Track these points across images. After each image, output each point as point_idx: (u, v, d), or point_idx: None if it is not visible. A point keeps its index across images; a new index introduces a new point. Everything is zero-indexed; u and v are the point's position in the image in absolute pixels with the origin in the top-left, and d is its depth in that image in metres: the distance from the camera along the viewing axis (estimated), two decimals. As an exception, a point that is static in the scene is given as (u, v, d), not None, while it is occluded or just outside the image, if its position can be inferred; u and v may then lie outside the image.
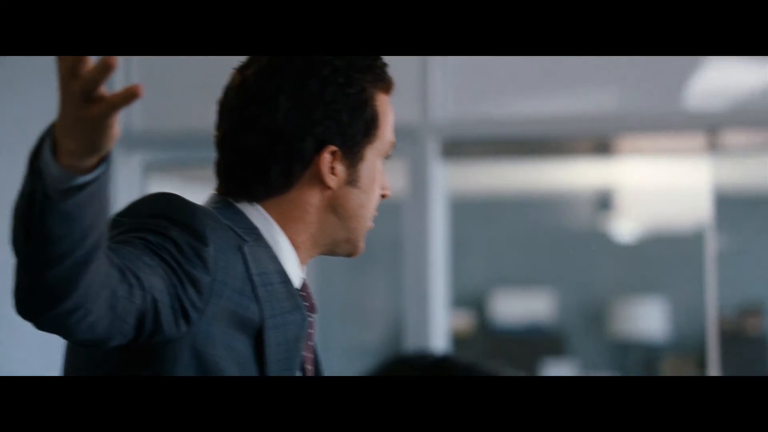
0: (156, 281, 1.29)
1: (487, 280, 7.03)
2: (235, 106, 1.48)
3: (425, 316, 3.73)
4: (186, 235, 1.34)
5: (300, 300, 1.46)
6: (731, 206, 6.42)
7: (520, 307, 6.97)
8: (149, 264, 1.29)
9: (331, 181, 1.47)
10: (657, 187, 6.54)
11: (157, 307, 1.29)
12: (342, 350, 6.43)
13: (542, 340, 6.86)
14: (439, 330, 3.77)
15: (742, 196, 6.80)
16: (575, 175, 6.51)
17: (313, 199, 1.48)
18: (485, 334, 6.93)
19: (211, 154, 1.52)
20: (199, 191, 1.57)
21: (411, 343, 3.73)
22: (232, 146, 1.48)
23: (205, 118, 1.57)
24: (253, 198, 1.47)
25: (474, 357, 0.89)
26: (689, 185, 5.66)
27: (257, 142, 1.46)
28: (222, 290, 1.35)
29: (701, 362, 6.29)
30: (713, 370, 5.01)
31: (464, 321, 6.83)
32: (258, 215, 1.46)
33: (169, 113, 3.97)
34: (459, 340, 6.29)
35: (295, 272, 1.47)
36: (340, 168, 1.47)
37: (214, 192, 1.50)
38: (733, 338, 6.42)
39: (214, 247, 1.35)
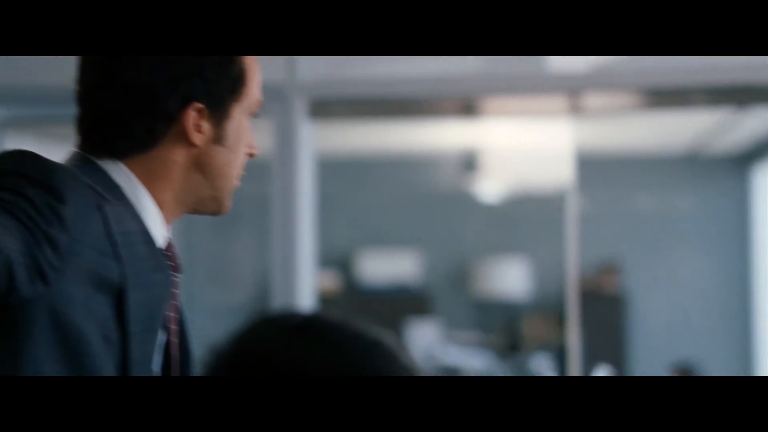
0: (10, 241, 1.25)
1: (353, 240, 7.06)
2: (97, 60, 1.44)
3: (292, 276, 3.72)
4: (43, 194, 1.30)
5: (163, 260, 1.43)
6: (592, 167, 6.58)
7: (385, 266, 7.03)
8: (3, 223, 1.25)
9: (197, 138, 1.45)
10: (521, 148, 6.65)
11: (11, 267, 1.25)
12: (208, 310, 6.38)
13: (408, 299, 6.94)
14: (305, 289, 3.77)
15: (603, 157, 6.98)
16: (441, 135, 6.57)
17: (178, 157, 1.45)
18: (351, 293, 6.97)
19: (71, 110, 1.47)
20: (58, 149, 1.53)
21: (277, 303, 3.73)
22: (94, 102, 1.44)
23: (64, 72, 1.52)
24: (116, 156, 1.44)
25: (342, 316, 0.89)
26: (552, 146, 5.78)
27: (120, 99, 1.42)
28: (80, 250, 1.32)
29: (561, 320, 6.46)
30: (572, 327, 5.15)
31: (331, 280, 6.85)
32: (120, 173, 1.43)
33: (25, 67, 3.84)
34: (325, 299, 6.31)
35: (159, 231, 1.45)
36: (206, 126, 1.45)
37: (75, 149, 1.46)
38: (591, 296, 6.60)
39: (72, 205, 1.32)
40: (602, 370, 4.99)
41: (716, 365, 6.86)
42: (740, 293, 7.06)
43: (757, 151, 6.94)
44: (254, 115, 1.51)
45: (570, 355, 5.42)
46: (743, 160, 7.10)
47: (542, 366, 6.36)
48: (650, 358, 7.03)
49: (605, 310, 6.99)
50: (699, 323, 7.09)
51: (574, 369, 5.25)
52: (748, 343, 7.06)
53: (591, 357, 5.87)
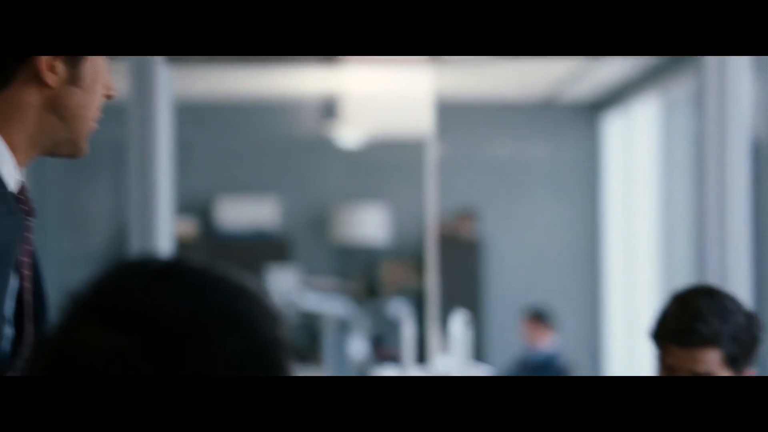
0: None
1: (212, 186, 6.99)
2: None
3: (150, 222, 3.67)
4: None
5: (15, 203, 1.39)
6: (451, 114, 6.66)
7: (244, 212, 6.99)
8: None
9: (51, 79, 1.41)
10: (380, 95, 6.67)
11: None
12: (64, 255, 6.25)
13: (267, 245, 6.93)
14: (163, 235, 3.73)
15: (462, 103, 7.06)
16: (300, 81, 6.54)
17: (30, 98, 1.41)
18: (210, 239, 6.91)
19: None
20: None
21: (135, 249, 3.68)
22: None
23: None
24: (-36, 97, 1.39)
25: (204, 261, 0.88)
26: (412, 93, 5.81)
27: (-32, 37, 1.37)
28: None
29: (419, 266, 6.54)
30: (430, 272, 5.23)
31: (189, 226, 6.78)
32: (-31, 115, 1.38)
33: None
34: (184, 245, 6.24)
35: (11, 174, 1.41)
36: (60, 66, 1.41)
37: None
38: (449, 242, 6.70)
39: None
40: (459, 314, 5.09)
41: (567, 308, 7.08)
42: (590, 238, 7.28)
43: (607, 100, 7.13)
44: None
45: (428, 300, 5.51)
46: (594, 108, 7.29)
47: (400, 311, 6.45)
48: (505, 302, 7.20)
49: (462, 256, 7.12)
50: (551, 267, 7.28)
51: (432, 313, 5.34)
52: (596, 286, 7.29)
53: (448, 301, 5.98)
